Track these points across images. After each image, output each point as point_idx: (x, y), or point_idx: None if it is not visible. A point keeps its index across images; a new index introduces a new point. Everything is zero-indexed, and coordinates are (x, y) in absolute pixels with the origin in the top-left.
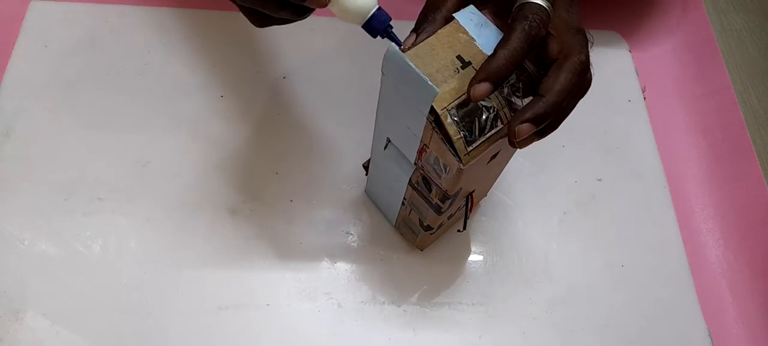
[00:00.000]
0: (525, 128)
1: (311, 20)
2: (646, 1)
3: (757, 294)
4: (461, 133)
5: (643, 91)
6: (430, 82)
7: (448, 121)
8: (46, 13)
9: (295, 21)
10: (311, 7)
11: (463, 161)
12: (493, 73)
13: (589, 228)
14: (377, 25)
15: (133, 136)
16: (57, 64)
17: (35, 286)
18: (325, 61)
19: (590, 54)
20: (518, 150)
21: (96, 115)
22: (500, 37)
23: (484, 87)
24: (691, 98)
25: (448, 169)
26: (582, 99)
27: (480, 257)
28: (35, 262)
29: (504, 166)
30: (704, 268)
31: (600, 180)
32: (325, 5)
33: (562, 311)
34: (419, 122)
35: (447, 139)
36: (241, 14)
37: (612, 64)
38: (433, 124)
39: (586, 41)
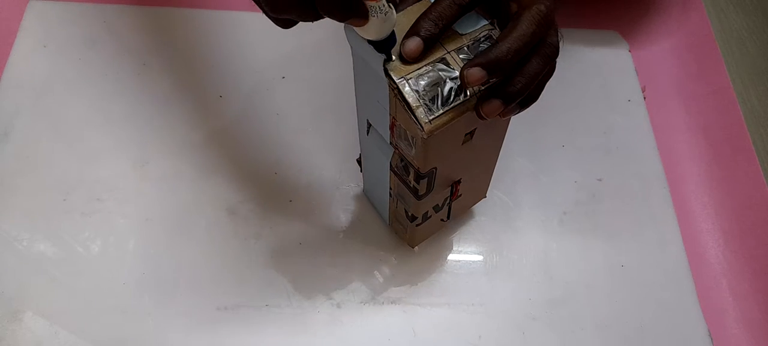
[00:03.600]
0: (474, 72)
1: None
2: (645, 0)
3: (757, 294)
4: (421, 101)
5: (643, 91)
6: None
7: (407, 90)
8: (44, 13)
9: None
10: (354, 26)
11: (425, 129)
12: (420, 27)
13: (589, 228)
14: (388, 46)
15: (132, 136)
16: (56, 64)
17: (34, 286)
18: (324, 61)
19: (590, 54)
20: (517, 151)
21: (95, 115)
22: (472, 18)
23: (412, 42)
24: (691, 98)
25: (414, 141)
26: (580, 97)
27: (480, 257)
28: (34, 262)
29: (494, 159)
30: (704, 268)
31: (600, 180)
32: (364, 25)
33: (562, 311)
34: (384, 92)
35: (409, 108)
36: (240, 14)
37: (612, 64)
38: (397, 93)
39: None
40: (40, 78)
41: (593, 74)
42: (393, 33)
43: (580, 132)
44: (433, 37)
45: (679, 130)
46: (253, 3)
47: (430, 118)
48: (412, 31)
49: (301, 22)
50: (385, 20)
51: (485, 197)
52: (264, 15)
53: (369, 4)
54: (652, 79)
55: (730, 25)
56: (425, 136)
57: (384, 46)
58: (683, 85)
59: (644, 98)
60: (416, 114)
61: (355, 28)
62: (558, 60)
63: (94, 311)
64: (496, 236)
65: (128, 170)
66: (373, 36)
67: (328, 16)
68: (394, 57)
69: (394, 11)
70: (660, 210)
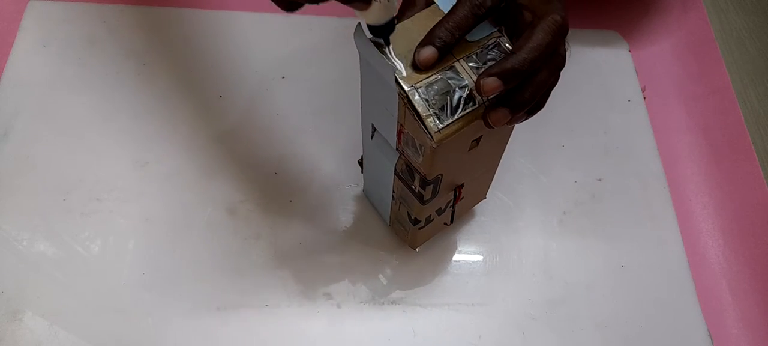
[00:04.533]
0: (490, 82)
1: (310, 20)
2: (645, 0)
3: (757, 294)
4: (431, 110)
5: (643, 91)
6: (391, 54)
7: (417, 99)
8: (44, 13)
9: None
10: (356, 9)
11: (434, 139)
12: (435, 37)
13: (589, 228)
14: (386, 31)
15: (132, 136)
16: (55, 63)
17: (34, 286)
18: (325, 61)
19: (590, 54)
20: (517, 151)
21: (94, 115)
22: (480, 26)
23: (427, 51)
24: (691, 98)
25: (422, 149)
26: (580, 97)
27: (480, 257)
28: (34, 262)
29: (496, 162)
30: (704, 268)
31: (600, 180)
32: (366, 9)
33: (562, 311)
34: (393, 100)
35: (418, 117)
36: (240, 14)
37: (612, 63)
38: (406, 102)
39: (564, 6)
40: (40, 78)
41: (593, 74)
42: (392, 19)
43: (580, 132)
44: (448, 47)
45: (679, 130)
46: (254, 2)
47: (440, 127)
48: (428, 40)
49: (301, 19)
50: (386, 6)
51: (485, 198)
52: (263, 14)
53: None
54: (652, 79)
55: (730, 25)
56: (435, 146)
57: (382, 31)
58: (683, 85)
59: (644, 98)
60: (426, 123)
61: (355, 11)
62: None
63: (94, 311)
64: (496, 236)
65: (128, 170)
66: (372, 20)
67: None
68: (391, 44)
69: None
70: (660, 210)
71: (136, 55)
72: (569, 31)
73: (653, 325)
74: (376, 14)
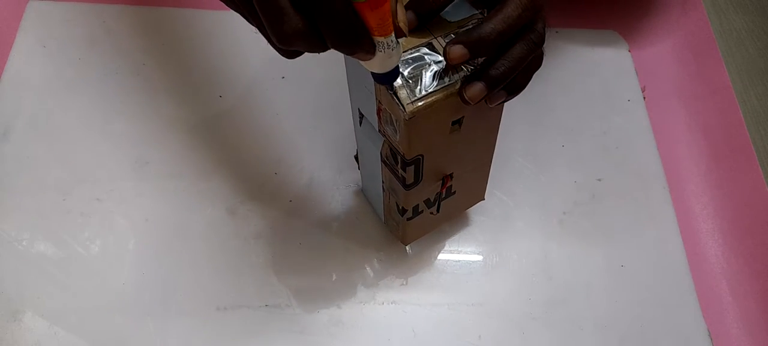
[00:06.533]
0: (456, 49)
1: None
2: (645, 0)
3: (757, 294)
4: (403, 82)
5: (643, 91)
6: None
7: None
8: (44, 13)
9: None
10: (359, 59)
11: (407, 110)
12: (418, 2)
13: (589, 228)
14: (391, 78)
15: (132, 136)
16: (55, 64)
17: (33, 286)
18: (324, 61)
19: (590, 54)
20: (517, 151)
21: (94, 115)
22: (462, 8)
23: (408, 15)
24: (691, 98)
25: (398, 124)
26: (580, 97)
27: (480, 257)
28: (33, 262)
29: (487, 156)
30: (704, 268)
31: (600, 180)
32: (371, 59)
33: (562, 311)
34: (370, 76)
35: (391, 89)
36: (239, 15)
37: (612, 63)
38: None
39: None
40: (40, 78)
41: (593, 74)
42: (397, 67)
43: (580, 132)
44: (429, 15)
45: (679, 130)
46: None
47: (413, 99)
48: (410, 5)
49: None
50: (390, 56)
51: (483, 199)
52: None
53: (377, 39)
54: (652, 79)
55: (730, 25)
56: (407, 118)
57: (386, 78)
58: (683, 85)
59: (644, 98)
60: (399, 95)
61: (359, 61)
62: (558, 60)
63: (93, 312)
64: (495, 235)
65: (128, 170)
66: (376, 69)
67: (336, 50)
68: (396, 89)
69: (400, 47)
70: (660, 210)
71: (135, 56)
72: (570, 31)
73: (653, 325)
74: (379, 63)
